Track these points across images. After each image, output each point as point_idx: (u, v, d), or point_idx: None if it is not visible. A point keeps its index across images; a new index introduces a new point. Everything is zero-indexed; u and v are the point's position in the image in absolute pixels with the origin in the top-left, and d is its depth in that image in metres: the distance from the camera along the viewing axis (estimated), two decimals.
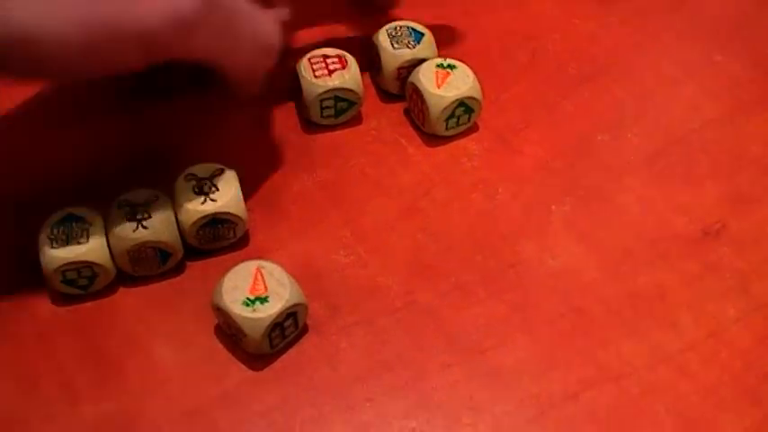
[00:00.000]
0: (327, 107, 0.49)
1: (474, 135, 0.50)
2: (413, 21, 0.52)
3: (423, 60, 0.50)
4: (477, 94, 0.49)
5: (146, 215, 0.42)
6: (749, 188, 0.48)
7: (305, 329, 0.42)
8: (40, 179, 0.48)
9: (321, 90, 0.48)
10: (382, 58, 0.50)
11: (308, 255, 0.45)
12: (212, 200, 0.43)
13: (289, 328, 0.41)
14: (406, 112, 0.51)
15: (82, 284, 0.43)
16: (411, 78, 0.49)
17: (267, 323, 0.39)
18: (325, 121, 0.50)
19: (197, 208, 0.43)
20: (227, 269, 0.42)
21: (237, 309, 0.40)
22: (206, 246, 0.44)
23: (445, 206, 0.47)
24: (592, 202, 0.47)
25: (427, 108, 0.48)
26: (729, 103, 0.53)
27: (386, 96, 0.52)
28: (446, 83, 0.48)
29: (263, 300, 0.40)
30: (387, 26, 0.51)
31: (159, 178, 0.45)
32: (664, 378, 0.41)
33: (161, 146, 0.50)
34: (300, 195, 0.48)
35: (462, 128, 0.50)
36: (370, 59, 0.52)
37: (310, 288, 0.42)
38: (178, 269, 0.44)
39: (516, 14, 0.57)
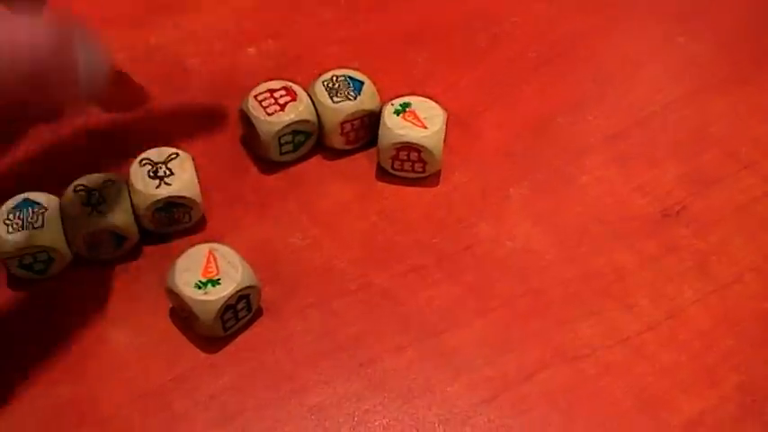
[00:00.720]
0: (286, 143, 0.47)
1: None
2: (346, 68, 0.49)
3: (368, 113, 0.47)
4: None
5: (101, 200, 0.42)
6: (710, 169, 0.48)
7: (259, 312, 0.42)
8: None
9: (279, 127, 0.46)
10: (321, 113, 0.47)
11: (264, 238, 0.45)
12: (167, 184, 0.43)
13: (242, 311, 0.41)
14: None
15: (38, 269, 0.43)
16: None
17: (219, 305, 0.39)
18: (284, 158, 0.48)
19: (151, 192, 0.43)
20: (182, 253, 0.42)
21: (189, 291, 0.40)
22: (161, 229, 0.44)
23: (402, 189, 0.47)
24: (551, 184, 0.47)
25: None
26: (691, 84, 0.52)
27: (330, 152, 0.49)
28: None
29: (215, 282, 0.40)
30: (322, 77, 0.48)
31: (114, 163, 0.45)
32: (621, 359, 0.41)
33: (116, 131, 0.49)
34: (257, 180, 0.47)
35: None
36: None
37: (266, 271, 0.42)
38: (134, 253, 0.44)
39: None
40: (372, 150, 0.48)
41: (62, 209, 0.43)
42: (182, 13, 0.56)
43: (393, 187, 0.47)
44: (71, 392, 0.40)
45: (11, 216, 0.42)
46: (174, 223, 0.44)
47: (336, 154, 0.48)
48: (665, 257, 0.45)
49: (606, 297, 0.43)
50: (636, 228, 0.46)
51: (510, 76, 0.53)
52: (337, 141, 0.48)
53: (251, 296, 0.41)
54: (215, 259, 0.40)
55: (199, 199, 0.43)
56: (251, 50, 0.53)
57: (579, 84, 0.52)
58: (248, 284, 0.40)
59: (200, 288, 0.40)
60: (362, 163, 0.48)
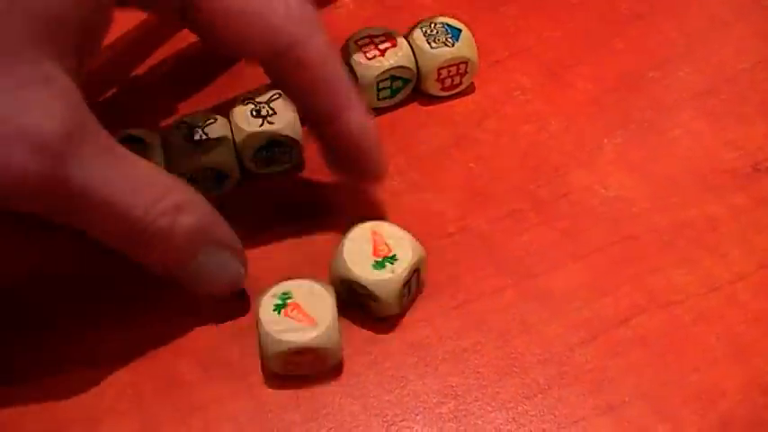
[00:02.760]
0: (384, 88, 0.48)
1: (526, 69, 0.50)
2: (444, 16, 0.49)
3: (466, 60, 0.48)
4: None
5: (203, 136, 0.43)
6: None
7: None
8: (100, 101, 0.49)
9: (378, 72, 0.47)
10: (419, 58, 0.47)
11: None
12: (270, 123, 0.44)
13: (414, 284, 0.41)
14: None
15: None
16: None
17: (400, 284, 0.39)
18: (381, 104, 0.48)
19: (254, 130, 0.43)
20: (280, 193, 0.42)
21: (367, 273, 0.39)
22: (262, 170, 0.45)
23: (498, 137, 0.48)
24: (643, 135, 0.48)
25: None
26: None
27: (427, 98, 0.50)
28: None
29: (392, 259, 0.40)
30: (421, 23, 0.48)
31: (214, 105, 0.45)
32: (714, 306, 0.41)
33: (216, 73, 0.50)
34: None
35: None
36: None
37: (363, 212, 0.43)
38: (233, 192, 0.45)
39: None
40: (468, 98, 0.49)
41: (164, 145, 0.43)
42: None
43: (489, 135, 0.48)
44: (169, 323, 0.41)
45: None
46: (274, 163, 0.45)
47: (432, 100, 0.49)
48: (756, 210, 0.45)
49: (698, 246, 0.43)
50: (727, 180, 0.46)
51: (601, 30, 0.53)
52: (433, 87, 0.48)
53: (421, 270, 0.41)
54: (381, 237, 0.40)
55: (301, 139, 0.44)
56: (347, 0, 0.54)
57: (669, 40, 0.52)
58: (419, 257, 0.40)
59: (377, 268, 0.39)
60: (458, 110, 0.49)
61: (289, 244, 0.43)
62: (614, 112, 0.49)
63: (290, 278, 0.39)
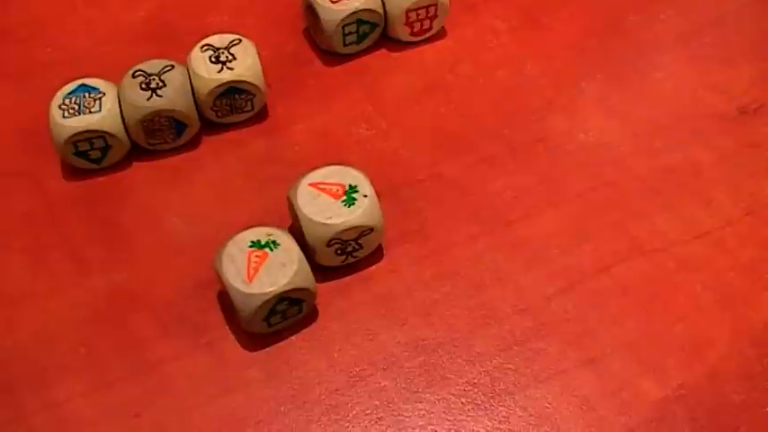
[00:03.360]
0: (350, 33, 0.45)
1: (500, 13, 0.48)
2: None
3: (435, 3, 0.45)
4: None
5: (160, 84, 0.41)
6: None
7: None
8: (57, 53, 0.47)
9: (343, 15, 0.44)
10: (386, 1, 0.45)
11: (328, 128, 0.44)
12: (229, 68, 0.41)
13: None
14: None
15: (94, 157, 0.42)
16: None
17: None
18: (347, 50, 0.46)
19: (213, 76, 0.41)
20: (242, 144, 0.40)
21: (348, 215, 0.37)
22: (223, 119, 0.43)
23: (470, 81, 0.46)
24: (623, 78, 0.46)
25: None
26: None
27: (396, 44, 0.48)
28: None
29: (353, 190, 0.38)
30: None
31: (173, 50, 0.43)
32: (700, 253, 0.39)
33: (175, 21, 0.48)
34: (320, 71, 0.46)
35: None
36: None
37: (330, 160, 0.41)
38: (193, 143, 0.43)
39: None
40: (438, 43, 0.47)
41: (120, 94, 0.41)
42: None
43: (460, 79, 0.46)
44: (126, 279, 0.39)
45: (66, 101, 0.41)
46: (235, 111, 0.43)
47: (401, 46, 0.47)
48: (742, 154, 0.43)
49: (683, 192, 0.41)
50: (712, 124, 0.44)
51: None
52: (402, 32, 0.46)
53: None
54: (324, 182, 0.38)
55: (262, 85, 0.42)
56: None
57: None
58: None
59: (350, 204, 0.37)
60: (429, 56, 0.46)
61: (252, 196, 0.41)
62: (594, 55, 0.47)
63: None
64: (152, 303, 0.38)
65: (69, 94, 0.41)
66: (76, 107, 0.41)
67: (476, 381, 0.36)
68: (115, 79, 0.42)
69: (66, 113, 0.40)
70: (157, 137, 0.42)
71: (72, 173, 0.42)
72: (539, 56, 0.46)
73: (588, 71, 0.46)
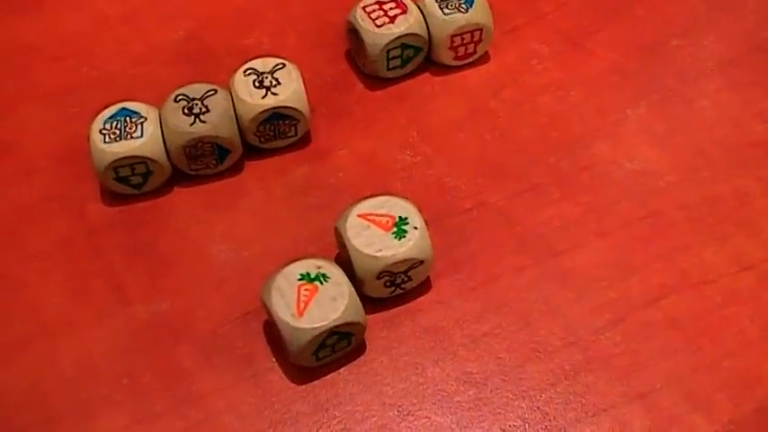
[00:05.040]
0: (394, 57, 0.45)
1: (542, 36, 0.48)
2: None
3: (480, 27, 0.45)
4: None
5: (203, 109, 0.40)
6: None
7: None
8: (93, 73, 0.46)
9: (388, 40, 0.44)
10: (430, 25, 0.44)
11: (372, 154, 0.43)
12: (274, 94, 0.41)
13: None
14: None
15: (135, 183, 0.41)
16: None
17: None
18: (391, 74, 0.46)
19: (257, 102, 0.41)
20: (285, 169, 0.40)
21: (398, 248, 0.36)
22: (266, 144, 0.42)
23: (515, 107, 0.45)
24: (667, 105, 0.45)
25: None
26: None
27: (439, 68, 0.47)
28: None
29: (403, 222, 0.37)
30: None
31: (212, 71, 0.43)
32: (748, 286, 0.39)
33: (216, 45, 0.48)
34: (363, 95, 0.45)
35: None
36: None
37: (374, 188, 0.40)
38: (236, 168, 0.42)
39: None
40: (482, 67, 0.46)
41: (162, 118, 0.41)
42: None
43: (505, 105, 0.45)
44: (168, 307, 0.38)
45: (107, 125, 0.40)
46: (279, 137, 0.42)
47: (445, 70, 0.46)
48: None
49: (730, 223, 0.41)
50: (758, 154, 0.43)
51: None
52: (446, 56, 0.45)
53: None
54: (372, 213, 0.37)
55: (307, 111, 0.41)
56: None
57: (691, 7, 0.50)
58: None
59: (400, 237, 0.37)
60: (472, 80, 0.46)
61: (296, 223, 0.41)
62: (637, 81, 0.46)
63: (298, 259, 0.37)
64: (196, 333, 0.38)
65: (110, 118, 0.40)
66: (118, 132, 0.40)
67: (526, 416, 0.35)
68: (154, 101, 0.42)
69: (107, 138, 0.40)
70: (199, 162, 0.41)
71: (111, 197, 0.42)
72: (583, 81, 0.46)
73: (632, 97, 0.45)
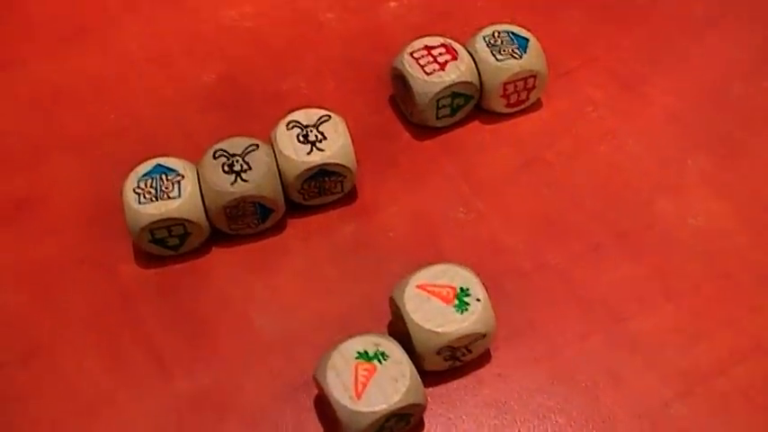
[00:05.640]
0: (443, 106, 0.42)
1: (596, 80, 0.46)
2: (507, 24, 0.44)
3: (534, 73, 0.43)
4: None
5: (245, 166, 0.38)
6: None
7: None
8: (122, 120, 0.44)
9: (438, 89, 0.41)
10: (482, 72, 0.42)
11: (422, 210, 0.41)
12: (320, 149, 0.38)
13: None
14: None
15: (172, 244, 0.39)
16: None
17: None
18: (440, 123, 0.43)
19: (303, 159, 0.38)
20: (330, 228, 0.39)
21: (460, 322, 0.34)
22: (310, 201, 0.40)
23: (570, 158, 0.43)
24: (730, 155, 0.43)
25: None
26: None
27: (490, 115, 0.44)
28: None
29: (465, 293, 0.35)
30: (482, 32, 0.43)
31: (247, 118, 0.41)
32: None
33: (253, 92, 0.45)
34: (409, 144, 0.43)
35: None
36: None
37: (428, 248, 0.38)
38: (278, 227, 0.40)
39: None
40: (535, 114, 0.44)
41: (200, 176, 0.38)
42: None
43: (560, 157, 0.43)
44: (211, 381, 0.36)
45: (142, 184, 0.38)
46: (323, 193, 0.40)
47: (496, 117, 0.44)
48: None
49: None
50: None
51: (675, 36, 0.48)
52: (497, 104, 0.43)
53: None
54: (432, 284, 0.35)
55: (354, 166, 0.39)
56: (392, 4, 0.49)
57: (751, 47, 0.47)
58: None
59: (462, 310, 0.34)
60: (525, 129, 0.44)
61: (344, 288, 0.39)
62: (696, 128, 0.44)
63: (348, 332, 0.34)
64: (241, 409, 0.35)
65: (145, 175, 0.38)
66: (153, 191, 0.37)
67: None
68: (186, 150, 0.40)
69: (142, 198, 0.37)
70: (240, 222, 0.39)
71: (146, 258, 0.39)
72: (639, 129, 0.44)
73: (693, 147, 0.43)
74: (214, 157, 0.38)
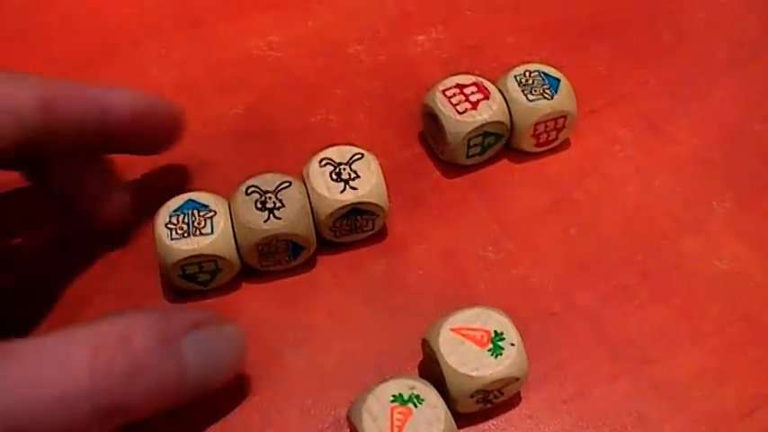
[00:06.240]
0: (474, 145, 0.42)
1: (623, 119, 0.46)
2: (538, 63, 0.44)
3: (565, 114, 0.43)
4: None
5: (277, 203, 0.38)
6: None
7: None
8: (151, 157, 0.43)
9: (471, 128, 0.41)
10: (513, 112, 0.42)
11: (453, 249, 0.41)
12: (353, 188, 0.38)
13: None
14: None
15: (202, 280, 0.39)
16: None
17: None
18: (469, 161, 0.43)
19: (336, 197, 0.38)
20: (361, 266, 0.39)
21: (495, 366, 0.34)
22: (340, 238, 0.40)
23: (599, 198, 0.43)
24: (755, 197, 0.43)
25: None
26: None
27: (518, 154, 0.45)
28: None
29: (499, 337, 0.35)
30: (514, 71, 0.43)
31: (276, 151, 0.41)
32: None
33: (280, 127, 0.45)
34: (439, 182, 0.43)
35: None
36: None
37: (457, 288, 0.39)
38: (309, 263, 0.40)
39: None
40: (564, 153, 0.44)
41: (232, 212, 0.38)
42: None
43: (589, 196, 0.43)
44: (242, 422, 0.36)
45: (173, 219, 0.38)
46: (355, 231, 0.40)
47: (525, 156, 0.44)
48: None
49: None
50: None
51: (700, 76, 0.48)
52: (527, 143, 0.43)
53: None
54: (467, 327, 0.35)
55: (386, 205, 0.39)
56: (420, 38, 0.49)
57: None
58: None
59: (497, 354, 0.35)
60: (554, 168, 0.44)
61: (376, 327, 0.39)
62: (722, 169, 0.44)
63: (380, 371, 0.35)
64: None
65: (176, 210, 0.38)
66: (185, 227, 0.37)
67: None
68: (214, 182, 0.40)
69: (174, 234, 0.37)
70: (271, 259, 0.39)
71: (174, 293, 0.39)
72: (666, 169, 0.44)
73: (717, 187, 0.43)
74: (246, 194, 0.38)
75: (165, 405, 0.32)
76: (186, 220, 0.38)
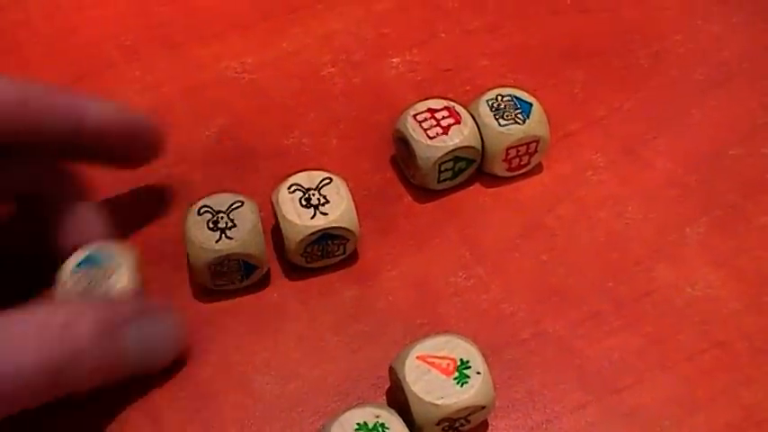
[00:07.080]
0: (446, 170, 0.42)
1: (597, 144, 0.46)
2: (512, 86, 0.44)
3: (537, 139, 0.43)
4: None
5: (229, 223, 0.38)
6: None
7: None
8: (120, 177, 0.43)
9: (442, 153, 0.41)
10: (485, 137, 0.42)
11: (423, 275, 0.41)
12: (323, 213, 0.38)
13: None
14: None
15: None
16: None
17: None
18: (441, 186, 0.43)
19: (306, 223, 0.38)
20: (331, 292, 0.39)
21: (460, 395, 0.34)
22: (311, 263, 0.40)
23: (572, 224, 0.43)
24: (728, 223, 0.43)
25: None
26: None
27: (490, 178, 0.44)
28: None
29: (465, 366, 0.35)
30: (486, 95, 0.43)
31: (249, 174, 0.42)
32: None
33: (245, 149, 0.45)
34: (410, 207, 0.43)
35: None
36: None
37: (427, 314, 0.38)
38: (262, 282, 0.40)
39: (635, 14, 0.52)
40: (536, 178, 0.44)
41: (185, 232, 0.38)
42: (312, 17, 0.52)
43: (562, 222, 0.43)
44: None
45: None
46: (325, 256, 0.40)
47: (496, 181, 0.44)
48: None
49: None
50: None
51: (676, 99, 0.48)
52: (499, 168, 0.43)
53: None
54: (432, 355, 0.35)
55: (357, 230, 0.39)
56: (395, 60, 0.49)
57: (749, 112, 0.47)
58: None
59: (462, 383, 0.34)
60: (526, 193, 0.44)
61: (344, 353, 0.38)
62: (696, 195, 0.44)
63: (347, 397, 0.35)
64: None
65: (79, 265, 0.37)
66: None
67: None
68: (183, 207, 0.40)
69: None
70: (224, 278, 0.39)
71: None
72: (640, 194, 0.44)
73: (692, 213, 0.43)
74: (199, 214, 0.39)
75: (104, 385, 0.34)
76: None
